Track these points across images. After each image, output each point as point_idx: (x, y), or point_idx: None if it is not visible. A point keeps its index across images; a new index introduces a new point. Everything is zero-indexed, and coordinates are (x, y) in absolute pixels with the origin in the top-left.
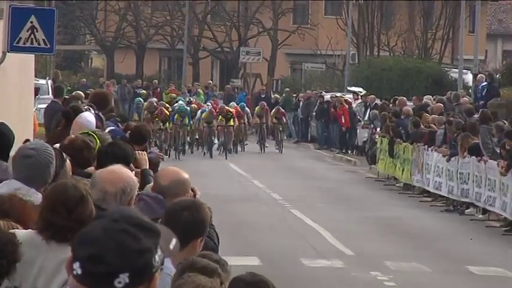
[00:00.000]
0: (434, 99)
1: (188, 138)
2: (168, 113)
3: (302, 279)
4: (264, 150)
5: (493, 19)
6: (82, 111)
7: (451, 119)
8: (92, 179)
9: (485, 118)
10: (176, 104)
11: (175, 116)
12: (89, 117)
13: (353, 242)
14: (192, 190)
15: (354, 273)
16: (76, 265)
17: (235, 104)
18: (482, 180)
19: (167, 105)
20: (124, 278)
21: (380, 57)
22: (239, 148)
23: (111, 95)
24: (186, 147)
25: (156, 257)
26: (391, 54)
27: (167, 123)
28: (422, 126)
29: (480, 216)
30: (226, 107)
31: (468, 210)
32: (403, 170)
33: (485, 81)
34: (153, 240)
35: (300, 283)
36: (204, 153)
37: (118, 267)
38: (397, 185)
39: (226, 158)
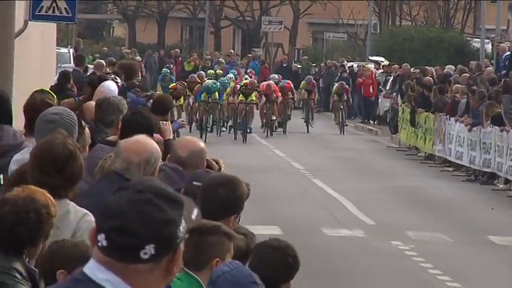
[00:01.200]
0: (455, 70)
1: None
2: (183, 88)
3: (323, 248)
4: (308, 130)
5: None
6: (106, 80)
7: (474, 88)
8: (117, 149)
9: (508, 88)
10: (207, 82)
11: (203, 94)
12: (111, 86)
13: (374, 211)
14: (217, 163)
15: (375, 243)
16: (101, 237)
17: (275, 78)
18: (504, 150)
19: (198, 79)
20: (150, 249)
21: (402, 26)
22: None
23: (139, 67)
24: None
25: (181, 227)
26: (413, 24)
27: (181, 99)
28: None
29: (502, 186)
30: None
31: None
32: (425, 140)
33: (508, 51)
34: (178, 211)
35: (321, 252)
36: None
37: (143, 238)
38: (419, 154)
39: (244, 141)
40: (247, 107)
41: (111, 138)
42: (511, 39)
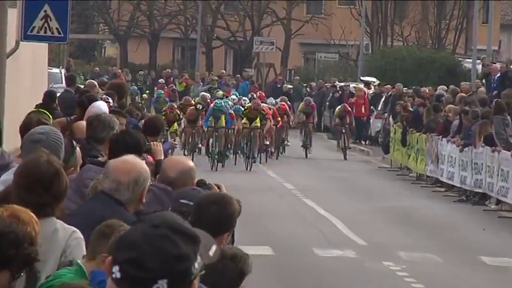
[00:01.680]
0: (448, 90)
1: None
2: (178, 112)
3: (314, 268)
4: (307, 155)
5: (507, 9)
6: (96, 100)
7: (467, 108)
8: (105, 169)
9: (500, 108)
10: (212, 104)
11: (209, 118)
12: (101, 105)
13: (366, 232)
14: (219, 187)
15: (367, 263)
16: (115, 268)
17: (272, 101)
18: (495, 171)
19: (191, 100)
20: (163, 284)
21: (393, 47)
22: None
23: (127, 86)
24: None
25: (196, 264)
26: (405, 44)
27: (175, 124)
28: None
29: (493, 206)
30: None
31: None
32: (416, 160)
33: (500, 71)
34: (193, 247)
35: (313, 273)
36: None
37: (157, 273)
38: (410, 175)
39: (248, 169)
40: (251, 133)
41: (101, 159)
42: (503, 60)
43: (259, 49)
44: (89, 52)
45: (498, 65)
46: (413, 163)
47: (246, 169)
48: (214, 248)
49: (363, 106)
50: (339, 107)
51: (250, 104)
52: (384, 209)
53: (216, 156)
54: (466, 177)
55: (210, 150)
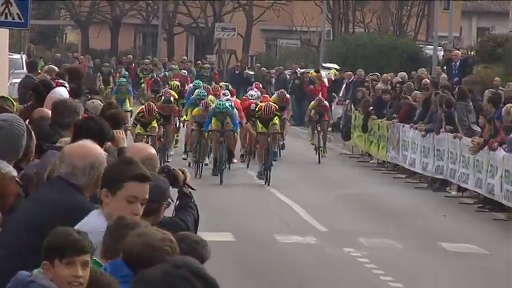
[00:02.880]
0: (413, 76)
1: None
2: (156, 110)
3: (275, 254)
4: (280, 154)
5: None
6: (52, 86)
7: (440, 91)
8: (61, 154)
9: (463, 95)
10: (211, 102)
11: (212, 121)
12: (62, 91)
13: (327, 218)
14: (183, 173)
15: (328, 250)
16: None
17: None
18: (457, 157)
19: (175, 95)
20: None
21: (355, 33)
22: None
23: (84, 70)
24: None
25: None
26: (366, 31)
27: (154, 123)
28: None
29: (454, 193)
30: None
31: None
32: (378, 147)
33: (461, 58)
34: None
35: (273, 259)
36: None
37: None
38: (371, 161)
39: (267, 183)
40: (270, 137)
41: (63, 144)
42: (463, 47)
43: (220, 35)
44: (50, 38)
45: (459, 52)
46: (375, 149)
47: (266, 183)
48: None
49: (321, 93)
50: (313, 101)
51: (262, 105)
52: (345, 195)
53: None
54: (427, 164)
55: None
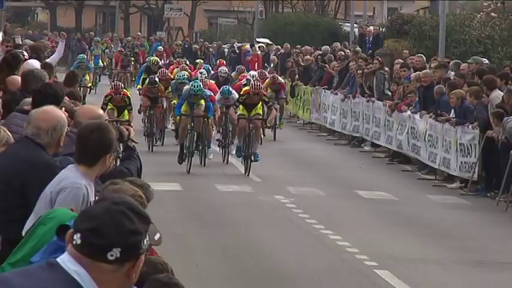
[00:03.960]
0: (334, 49)
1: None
2: (128, 96)
3: (216, 201)
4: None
5: None
6: (19, 57)
7: (363, 61)
8: (29, 117)
9: (381, 65)
10: (184, 84)
11: (184, 104)
12: (34, 63)
13: (260, 170)
14: (128, 130)
15: (261, 197)
16: (76, 236)
17: (223, 71)
18: (370, 118)
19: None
20: (116, 252)
21: (284, 13)
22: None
23: (42, 45)
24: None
25: (145, 241)
26: (293, 11)
27: (125, 113)
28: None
29: (368, 148)
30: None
31: (367, 147)
32: (303, 109)
33: (373, 34)
34: (145, 226)
35: (214, 205)
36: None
37: (112, 241)
38: (298, 122)
39: (247, 173)
40: (251, 125)
41: (26, 107)
42: (376, 24)
43: (169, 15)
44: (24, 17)
45: (372, 28)
46: (301, 112)
47: (245, 173)
48: (158, 235)
49: (256, 63)
50: (267, 79)
51: (247, 88)
52: (275, 150)
53: (196, 153)
54: (346, 124)
55: (187, 145)
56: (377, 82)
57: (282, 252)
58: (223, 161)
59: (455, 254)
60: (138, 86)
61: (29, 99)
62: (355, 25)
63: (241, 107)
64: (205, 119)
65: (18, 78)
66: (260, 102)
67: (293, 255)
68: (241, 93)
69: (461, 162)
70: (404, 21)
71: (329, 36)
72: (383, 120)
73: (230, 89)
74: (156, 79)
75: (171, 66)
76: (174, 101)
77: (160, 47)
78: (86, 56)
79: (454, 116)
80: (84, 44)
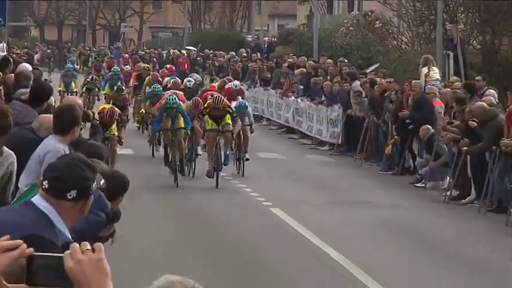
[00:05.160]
0: (240, 55)
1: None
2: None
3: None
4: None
5: (273, 3)
6: (10, 61)
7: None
8: (36, 118)
9: (279, 64)
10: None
11: (163, 115)
12: (27, 66)
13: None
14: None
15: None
16: (45, 182)
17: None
18: (267, 102)
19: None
20: (73, 193)
21: (205, 28)
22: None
23: (32, 54)
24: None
25: (93, 185)
26: (212, 27)
27: (113, 128)
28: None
29: (264, 123)
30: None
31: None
32: None
33: (268, 43)
34: (93, 174)
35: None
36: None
37: (70, 185)
38: None
39: (217, 187)
40: (220, 136)
41: (23, 97)
42: (269, 35)
43: (124, 30)
44: (21, 33)
45: (266, 38)
46: None
47: (216, 187)
48: (102, 181)
49: (186, 64)
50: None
51: (210, 101)
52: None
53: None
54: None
55: (170, 159)
56: (274, 78)
57: None
58: (238, 172)
59: (323, 195)
60: (104, 92)
61: (22, 90)
62: (255, 36)
63: (210, 121)
64: (187, 133)
65: (12, 76)
66: (227, 114)
67: None
68: (205, 105)
69: (331, 132)
70: (289, 33)
71: (237, 45)
72: (275, 103)
73: (246, 103)
74: (123, 87)
75: (134, 73)
76: (143, 110)
77: (126, 55)
78: (72, 66)
79: (324, 99)
80: (64, 52)
